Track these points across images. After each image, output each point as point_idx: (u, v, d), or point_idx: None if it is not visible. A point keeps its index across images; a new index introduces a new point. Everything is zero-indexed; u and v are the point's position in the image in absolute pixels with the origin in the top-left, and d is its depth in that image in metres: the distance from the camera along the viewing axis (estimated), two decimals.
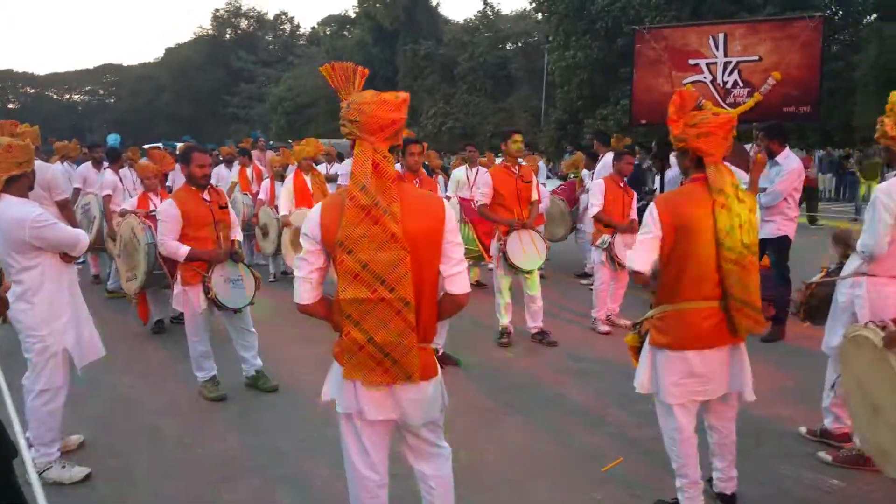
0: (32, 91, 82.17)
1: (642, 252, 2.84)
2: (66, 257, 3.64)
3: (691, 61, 7.07)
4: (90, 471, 3.67)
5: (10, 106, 77.82)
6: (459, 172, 9.01)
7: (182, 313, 6.86)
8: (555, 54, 25.83)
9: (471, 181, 8.65)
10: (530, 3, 27.96)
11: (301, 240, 2.36)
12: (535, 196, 6.02)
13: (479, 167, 8.92)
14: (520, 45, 34.17)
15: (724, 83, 6.98)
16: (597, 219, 6.37)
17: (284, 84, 48.25)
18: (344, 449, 2.46)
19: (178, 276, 4.71)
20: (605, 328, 6.40)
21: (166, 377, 5.35)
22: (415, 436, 2.46)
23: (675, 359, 2.82)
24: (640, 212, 7.42)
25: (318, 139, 9.51)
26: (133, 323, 6.79)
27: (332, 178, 10.28)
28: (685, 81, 7.16)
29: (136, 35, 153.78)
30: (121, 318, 7.07)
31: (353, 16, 46.65)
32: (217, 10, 61.43)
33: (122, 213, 6.58)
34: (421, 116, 35.16)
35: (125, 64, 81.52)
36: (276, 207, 7.98)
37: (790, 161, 5.70)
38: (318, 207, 2.35)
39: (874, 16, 21.94)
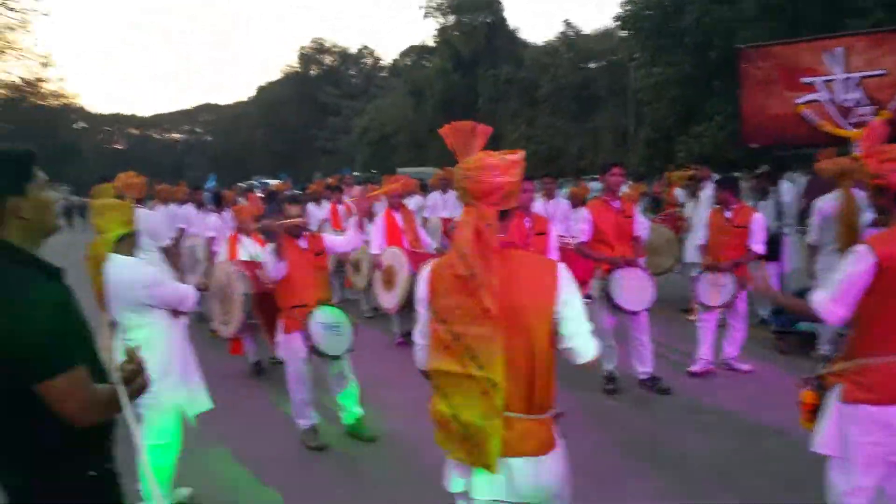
0: (137, 132, 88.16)
1: (845, 293, 2.55)
2: (176, 312, 3.67)
3: (805, 79, 6.55)
4: None
5: (118, 147, 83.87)
6: (537, 206, 8.62)
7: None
8: (642, 71, 25.24)
9: (549, 215, 8.32)
10: (614, 22, 27.54)
11: (416, 305, 2.28)
12: (638, 231, 5.71)
13: (560, 199, 8.58)
14: (603, 63, 33.61)
15: (845, 101, 6.43)
16: (699, 251, 6.14)
17: (368, 115, 49.54)
18: None
19: (280, 325, 4.70)
20: (696, 368, 6.02)
21: (268, 424, 5.34)
22: None
23: (877, 415, 2.53)
24: (773, 240, 6.98)
25: (401, 170, 9.48)
26: (235, 364, 6.87)
27: None
28: (799, 101, 6.66)
29: (230, 75, 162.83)
30: (223, 358, 7.16)
31: (433, 45, 47.40)
32: (303, 48, 63.94)
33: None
34: (503, 142, 35.07)
35: (221, 103, 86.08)
36: (367, 243, 7.96)
37: None
38: (427, 269, 2.25)
39: None
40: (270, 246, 4.58)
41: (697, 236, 6.48)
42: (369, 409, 5.11)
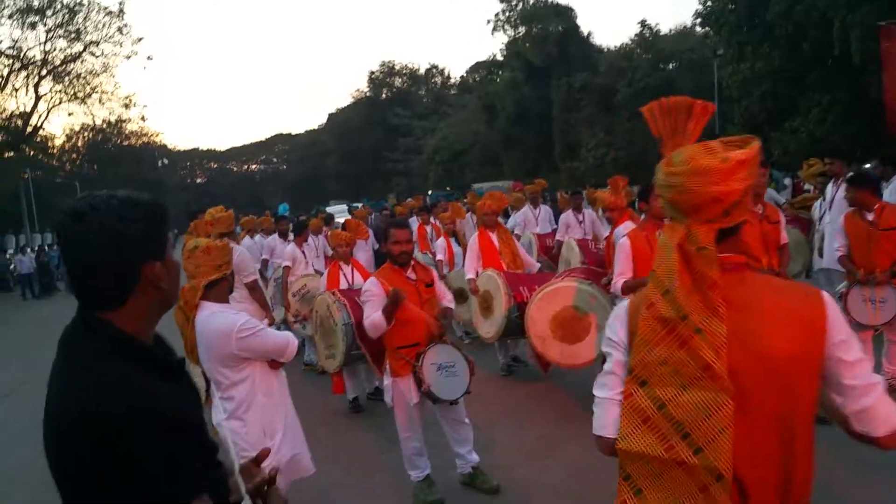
0: (216, 166, 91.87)
1: None
2: (274, 363, 3.21)
3: None
4: None
5: (199, 180, 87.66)
6: None
7: (378, 388, 6.55)
8: (728, 68, 23.89)
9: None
10: (694, 18, 26.34)
11: (605, 346, 1.70)
12: (784, 238, 4.94)
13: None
14: (683, 62, 32.16)
15: None
16: (840, 263, 5.37)
17: (440, 134, 49.50)
18: None
19: (388, 368, 4.20)
20: None
21: (374, 471, 4.86)
22: None
23: None
24: None
25: (475, 186, 8.96)
26: (332, 401, 6.46)
27: None
28: None
29: (302, 105, 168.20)
30: (318, 394, 6.76)
31: (501, 59, 46.92)
32: (373, 73, 64.80)
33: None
34: (581, 150, 34.12)
35: (293, 132, 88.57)
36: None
37: None
38: (625, 304, 1.68)
39: None
40: (373, 285, 4.09)
41: (833, 244, 5.65)
42: (486, 454, 4.54)
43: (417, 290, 4.12)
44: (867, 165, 10.65)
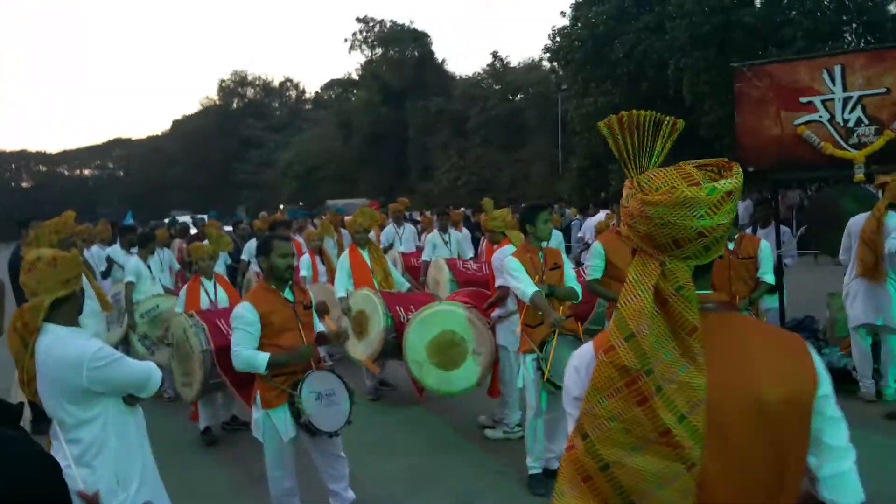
0: (45, 169, 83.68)
1: None
2: (131, 399, 2.73)
3: (803, 99, 6.22)
4: None
5: (24, 184, 79.20)
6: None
7: (235, 417, 6.02)
8: (573, 102, 25.41)
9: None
10: (543, 53, 27.80)
11: (566, 405, 1.49)
12: None
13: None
14: (531, 93, 33.85)
15: (845, 121, 6.11)
16: None
17: (294, 148, 48.39)
18: None
19: (257, 399, 3.77)
20: None
21: None
22: None
23: None
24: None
25: (330, 202, 8.71)
26: (180, 431, 5.84)
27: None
28: (797, 122, 6.32)
29: (143, 109, 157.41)
30: (165, 423, 5.99)
31: (356, 79, 46.85)
32: (223, 81, 62.08)
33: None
34: (435, 172, 34.78)
35: (133, 138, 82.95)
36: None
37: None
38: (587, 347, 1.48)
39: None
40: (247, 311, 3.67)
41: None
42: (358, 489, 4.21)
43: (295, 312, 3.76)
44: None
